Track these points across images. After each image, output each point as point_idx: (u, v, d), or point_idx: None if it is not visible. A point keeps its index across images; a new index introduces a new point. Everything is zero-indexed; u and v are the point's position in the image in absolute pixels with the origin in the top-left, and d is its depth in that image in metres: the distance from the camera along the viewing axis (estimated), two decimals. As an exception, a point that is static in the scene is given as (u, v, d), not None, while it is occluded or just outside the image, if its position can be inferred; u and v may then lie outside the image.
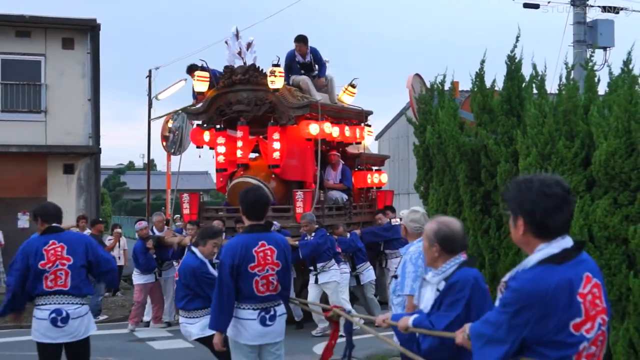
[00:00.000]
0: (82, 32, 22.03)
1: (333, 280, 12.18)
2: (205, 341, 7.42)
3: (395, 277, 6.77)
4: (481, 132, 8.35)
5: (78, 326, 6.69)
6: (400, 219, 8.67)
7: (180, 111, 20.93)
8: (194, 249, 7.66)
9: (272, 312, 6.16)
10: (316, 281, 12.23)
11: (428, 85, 11.64)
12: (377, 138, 34.96)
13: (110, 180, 60.02)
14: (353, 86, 15.25)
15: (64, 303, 6.60)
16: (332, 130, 13.84)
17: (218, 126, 14.31)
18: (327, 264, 12.17)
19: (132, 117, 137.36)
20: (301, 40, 14.41)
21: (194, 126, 15.19)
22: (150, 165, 28.42)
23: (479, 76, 8.77)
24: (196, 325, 7.56)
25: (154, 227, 14.35)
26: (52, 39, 21.72)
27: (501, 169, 7.91)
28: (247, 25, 51.02)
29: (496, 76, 8.96)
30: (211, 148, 14.63)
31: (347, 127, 14.37)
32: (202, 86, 14.18)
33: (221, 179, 14.76)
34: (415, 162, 9.70)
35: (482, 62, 8.78)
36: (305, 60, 14.53)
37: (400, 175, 32.02)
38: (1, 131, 20.92)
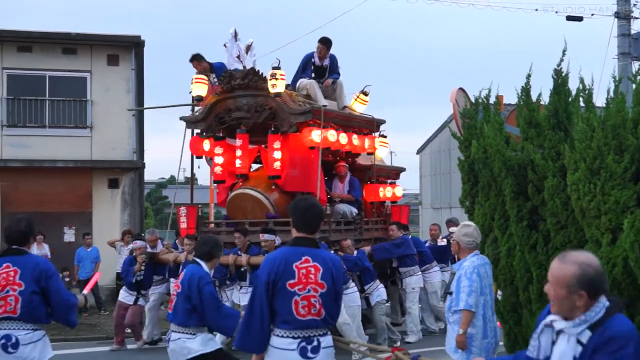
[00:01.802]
0: (126, 49, 22.39)
1: None
2: (206, 359, 6.92)
3: (450, 293, 6.69)
4: (528, 147, 8.27)
5: (30, 352, 6.17)
6: (449, 238, 8.47)
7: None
8: (199, 260, 7.15)
9: (315, 343, 5.15)
10: None
11: (472, 99, 11.60)
12: (418, 152, 34.89)
13: (152, 194, 60.48)
14: (365, 94, 14.27)
15: (13, 328, 6.14)
16: (338, 139, 12.81)
17: (217, 134, 13.34)
18: None
19: (173, 132, 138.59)
20: (325, 42, 13.66)
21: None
22: (193, 179, 28.59)
23: (525, 90, 8.71)
24: (196, 340, 6.95)
25: (147, 245, 13.63)
26: (97, 56, 22.09)
27: (548, 184, 7.83)
28: (288, 40, 51.19)
29: (541, 90, 8.89)
30: (212, 158, 13.64)
31: (355, 136, 13.35)
32: (201, 89, 13.37)
33: (219, 191, 13.94)
34: (460, 176, 9.64)
35: (528, 76, 8.71)
36: (321, 64, 13.76)
37: (442, 189, 31.85)
38: (48, 146, 21.29)
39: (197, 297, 6.83)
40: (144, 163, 23.13)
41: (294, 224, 5.34)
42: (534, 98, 8.70)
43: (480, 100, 9.42)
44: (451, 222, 14.83)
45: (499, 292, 8.60)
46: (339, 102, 13.84)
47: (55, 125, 21.73)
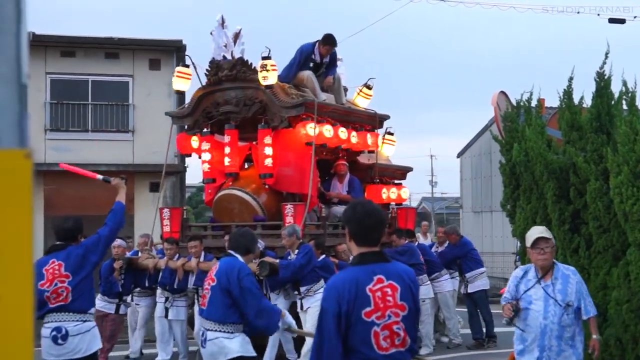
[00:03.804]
0: (168, 53, 22.62)
1: (316, 304, 9.22)
2: None
3: (570, 305, 6.03)
4: (570, 150, 8.21)
5: (78, 343, 6.32)
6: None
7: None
8: (234, 253, 6.51)
9: None
10: (301, 307, 10.20)
11: (513, 102, 11.51)
12: (459, 155, 34.67)
13: (193, 198, 60.77)
14: (368, 87, 13.24)
15: (64, 320, 6.33)
16: (334, 135, 11.76)
17: (205, 130, 12.35)
18: (313, 287, 10.09)
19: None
20: (330, 43, 12.48)
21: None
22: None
23: (567, 93, 8.64)
24: (235, 341, 6.39)
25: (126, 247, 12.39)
26: (139, 60, 22.37)
27: (591, 187, 7.77)
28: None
29: (584, 93, 8.82)
30: (200, 156, 12.59)
31: (354, 132, 12.21)
32: (182, 84, 12.53)
33: (210, 191, 12.78)
34: (501, 180, 9.59)
35: (570, 79, 8.66)
36: (321, 61, 12.66)
37: (482, 192, 31.62)
38: (91, 150, 21.58)
39: (237, 290, 6.27)
40: (186, 167, 23.32)
41: (352, 236, 4.15)
42: (576, 101, 8.64)
43: (521, 104, 9.37)
44: (448, 233, 13.34)
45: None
46: (337, 96, 12.73)
47: (98, 129, 22.04)
